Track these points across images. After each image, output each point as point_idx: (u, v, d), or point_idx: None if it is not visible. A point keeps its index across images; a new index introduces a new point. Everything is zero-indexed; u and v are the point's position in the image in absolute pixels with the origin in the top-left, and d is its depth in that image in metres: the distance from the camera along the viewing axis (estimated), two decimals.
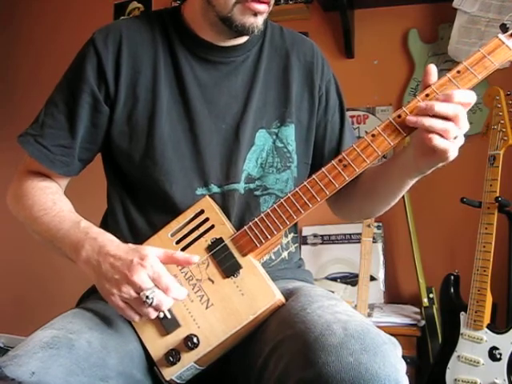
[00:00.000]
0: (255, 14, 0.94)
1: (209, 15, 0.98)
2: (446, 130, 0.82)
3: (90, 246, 0.86)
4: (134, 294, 0.81)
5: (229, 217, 0.96)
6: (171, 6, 1.09)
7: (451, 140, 0.83)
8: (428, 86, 0.86)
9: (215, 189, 0.99)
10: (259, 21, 0.96)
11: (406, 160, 0.93)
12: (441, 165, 0.89)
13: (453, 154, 0.85)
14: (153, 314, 0.82)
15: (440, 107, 0.82)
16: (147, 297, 0.79)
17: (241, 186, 1.00)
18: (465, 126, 0.84)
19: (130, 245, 0.86)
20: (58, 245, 0.91)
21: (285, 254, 1.06)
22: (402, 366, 0.73)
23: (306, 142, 1.08)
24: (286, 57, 1.08)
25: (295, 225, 1.10)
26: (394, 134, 0.87)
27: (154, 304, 0.80)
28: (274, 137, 1.04)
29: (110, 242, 0.86)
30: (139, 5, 2.82)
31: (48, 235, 0.93)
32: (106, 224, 1.05)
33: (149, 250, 0.83)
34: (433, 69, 0.87)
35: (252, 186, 1.02)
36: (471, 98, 0.84)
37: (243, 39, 1.03)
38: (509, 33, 0.87)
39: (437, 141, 0.82)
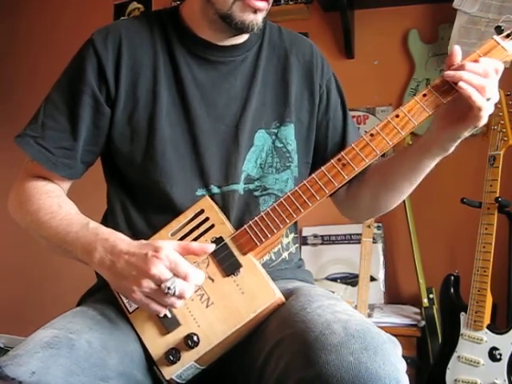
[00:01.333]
0: (255, 11, 0.94)
1: (208, 13, 0.97)
2: (482, 85, 0.84)
3: (102, 247, 0.85)
4: (154, 287, 0.80)
5: (228, 217, 0.96)
6: (170, 7, 1.09)
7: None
8: (451, 66, 0.89)
9: (215, 189, 0.99)
10: (259, 18, 0.96)
11: (426, 139, 0.94)
12: (467, 134, 0.89)
13: (486, 115, 0.86)
14: (178, 304, 0.82)
15: (470, 65, 0.85)
16: (168, 288, 0.79)
17: (240, 187, 1.00)
18: (495, 94, 0.86)
19: (142, 241, 0.85)
20: (68, 248, 0.90)
21: (285, 254, 1.06)
22: (402, 365, 0.73)
23: (306, 141, 1.08)
24: (284, 57, 1.08)
25: (295, 225, 1.10)
26: (392, 133, 0.88)
27: (176, 293, 0.79)
28: (274, 137, 1.04)
29: (122, 241, 0.85)
30: (139, 5, 2.82)
31: (57, 239, 0.92)
32: (106, 224, 1.04)
33: (162, 242, 0.83)
34: (458, 50, 0.89)
35: (251, 186, 1.02)
36: (499, 64, 0.87)
37: (242, 38, 1.03)
38: (504, 34, 0.90)
39: (475, 96, 0.84)
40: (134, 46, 1.00)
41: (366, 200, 1.08)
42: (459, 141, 0.92)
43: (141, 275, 0.80)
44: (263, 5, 0.94)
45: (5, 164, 2.72)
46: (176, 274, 0.80)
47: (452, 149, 0.93)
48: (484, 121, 0.87)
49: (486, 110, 0.85)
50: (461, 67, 0.86)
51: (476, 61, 0.86)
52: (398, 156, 1.02)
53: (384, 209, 1.10)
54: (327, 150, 1.10)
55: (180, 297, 0.80)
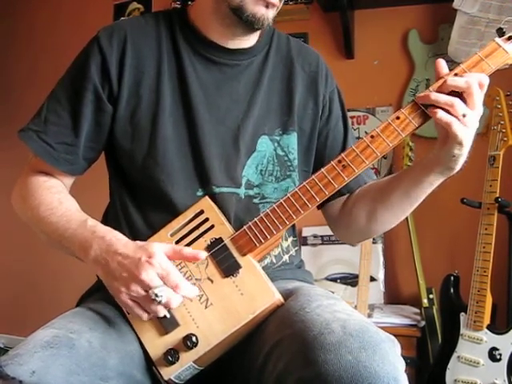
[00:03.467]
0: (267, 5, 0.95)
1: (221, 7, 0.97)
2: (450, 103, 0.82)
3: (98, 245, 0.86)
4: (142, 293, 0.80)
5: (228, 219, 0.96)
6: (174, 7, 1.09)
7: (460, 118, 0.82)
8: (439, 79, 0.87)
9: (215, 190, 0.98)
10: (270, 14, 0.96)
11: (431, 157, 0.92)
12: (457, 151, 0.86)
13: (459, 131, 0.83)
14: (161, 312, 0.82)
15: (451, 80, 0.83)
16: (156, 295, 0.79)
17: (241, 191, 1.00)
18: (478, 108, 0.84)
19: (138, 242, 0.85)
20: (66, 244, 0.91)
21: (286, 257, 1.06)
22: (401, 364, 0.73)
23: (307, 150, 1.08)
24: (290, 65, 1.08)
25: (293, 228, 1.10)
26: (392, 135, 0.88)
27: (163, 302, 0.80)
28: (276, 144, 1.04)
29: (118, 241, 0.86)
30: (139, 5, 2.82)
31: (56, 235, 0.92)
32: (107, 218, 1.05)
33: (156, 247, 0.83)
34: (442, 62, 0.88)
35: (251, 192, 1.01)
36: (485, 79, 0.85)
37: (250, 42, 1.03)
38: (505, 36, 0.89)
39: (439, 114, 0.82)
40: (139, 45, 1.00)
41: (361, 219, 1.05)
42: (461, 158, 0.88)
43: (131, 278, 0.81)
44: (275, 0, 0.95)
45: (4, 164, 2.72)
46: (166, 283, 0.80)
47: (458, 167, 0.90)
48: (462, 137, 0.83)
49: (457, 126, 0.82)
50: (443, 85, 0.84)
51: (463, 75, 0.85)
52: (398, 174, 1.00)
53: (380, 229, 1.06)
54: (325, 159, 1.08)
55: (166, 306, 0.81)
